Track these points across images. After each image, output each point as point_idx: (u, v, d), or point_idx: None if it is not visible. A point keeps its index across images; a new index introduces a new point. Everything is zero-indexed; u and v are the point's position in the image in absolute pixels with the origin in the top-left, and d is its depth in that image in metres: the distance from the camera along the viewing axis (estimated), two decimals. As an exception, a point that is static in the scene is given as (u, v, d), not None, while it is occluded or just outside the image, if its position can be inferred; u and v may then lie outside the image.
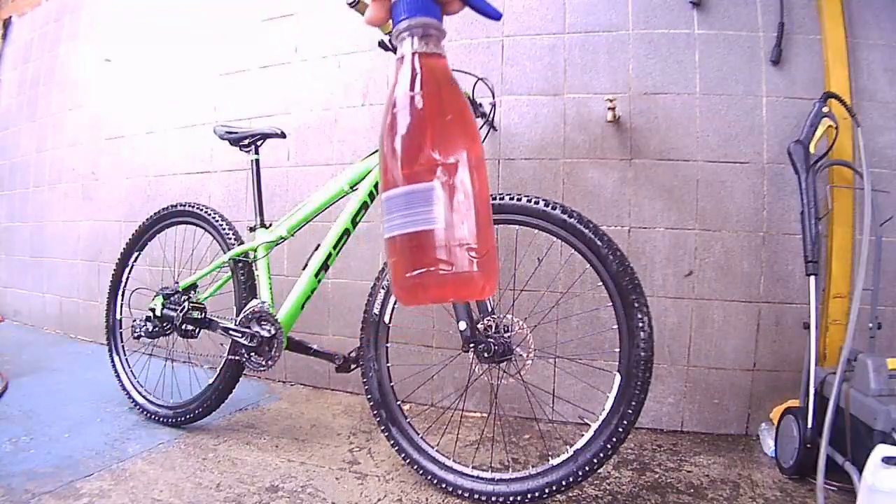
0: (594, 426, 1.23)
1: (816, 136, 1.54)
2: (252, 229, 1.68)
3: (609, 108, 1.70)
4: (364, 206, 1.46)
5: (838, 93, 1.57)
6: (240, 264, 1.69)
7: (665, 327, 1.72)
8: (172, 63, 2.51)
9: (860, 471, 1.11)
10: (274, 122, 2.12)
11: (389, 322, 1.45)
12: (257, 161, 1.72)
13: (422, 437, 1.40)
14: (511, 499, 1.25)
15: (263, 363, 1.51)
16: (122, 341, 1.95)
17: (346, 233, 1.47)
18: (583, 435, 1.24)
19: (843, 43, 1.62)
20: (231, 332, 1.56)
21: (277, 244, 1.63)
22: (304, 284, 1.49)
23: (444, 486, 1.32)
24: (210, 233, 1.79)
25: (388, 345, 1.46)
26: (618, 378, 1.22)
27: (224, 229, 1.74)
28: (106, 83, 2.84)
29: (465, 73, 1.54)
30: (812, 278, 1.45)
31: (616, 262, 1.21)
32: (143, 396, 1.81)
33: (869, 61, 1.65)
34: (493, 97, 1.60)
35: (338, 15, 2.05)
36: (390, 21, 0.47)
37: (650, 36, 1.73)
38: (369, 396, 1.43)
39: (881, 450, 1.06)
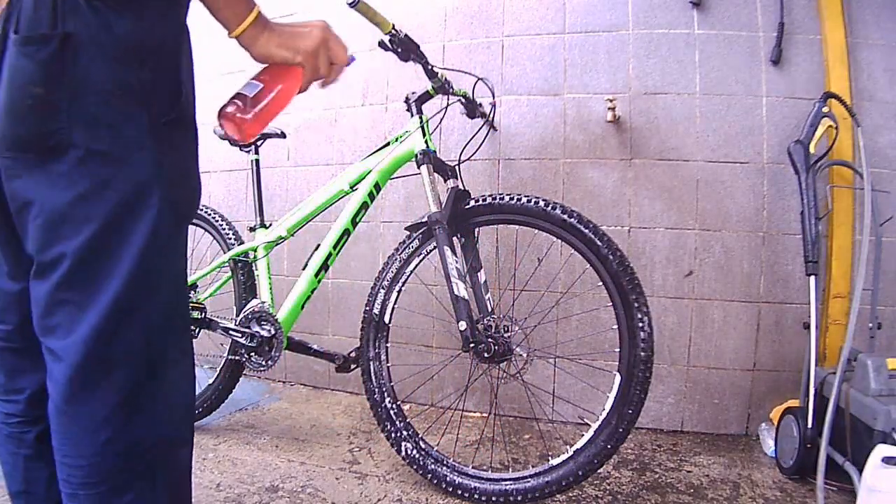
0: (594, 426, 1.23)
1: (816, 136, 1.54)
2: (252, 229, 1.68)
3: (609, 108, 1.70)
4: (364, 206, 1.46)
5: (838, 93, 1.57)
6: (240, 264, 1.69)
7: (665, 327, 1.72)
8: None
9: (860, 471, 1.11)
10: (274, 122, 2.12)
11: (389, 322, 1.45)
12: (257, 161, 1.72)
13: (422, 438, 1.40)
14: (511, 498, 1.25)
15: (263, 363, 1.51)
16: (122, 341, 1.95)
17: (346, 233, 1.47)
18: (583, 435, 1.25)
19: (843, 43, 1.62)
20: (231, 332, 1.56)
21: (277, 244, 1.63)
22: (304, 284, 1.49)
23: (444, 485, 1.32)
24: (210, 232, 1.79)
25: (388, 345, 1.46)
26: (618, 378, 1.22)
27: (224, 229, 1.74)
28: (106, 83, 2.84)
29: (465, 73, 1.54)
30: (812, 278, 1.45)
31: (616, 262, 1.21)
32: (143, 396, 1.81)
33: (869, 61, 1.65)
34: (493, 97, 1.60)
35: (337, 15, 2.05)
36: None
37: (650, 36, 1.73)
38: (369, 396, 1.43)
39: (881, 450, 1.07)
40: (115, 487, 0.62)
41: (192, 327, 1.68)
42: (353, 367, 1.51)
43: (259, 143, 1.73)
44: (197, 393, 1.70)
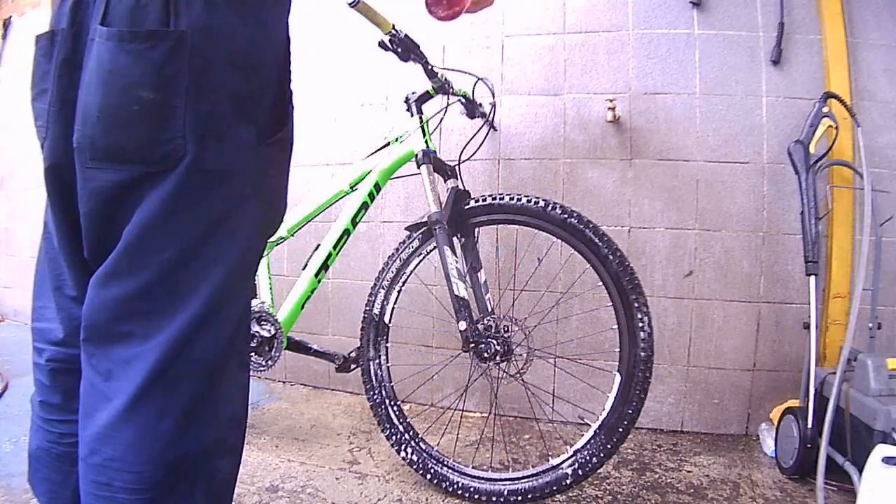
0: (594, 426, 1.23)
1: (816, 136, 1.54)
2: (252, 229, 1.68)
3: (609, 109, 1.70)
4: (364, 207, 1.46)
5: (838, 93, 1.57)
6: (240, 264, 1.69)
7: (665, 327, 1.72)
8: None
9: (860, 471, 1.11)
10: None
11: (389, 322, 1.45)
12: (257, 161, 1.72)
13: (422, 438, 1.40)
14: (511, 498, 1.25)
15: (263, 363, 1.51)
16: (122, 341, 1.95)
17: (346, 233, 1.47)
18: (583, 435, 1.25)
19: (843, 43, 1.62)
20: (231, 332, 1.56)
21: (277, 244, 1.63)
22: (304, 284, 1.49)
23: (444, 485, 1.32)
24: (210, 233, 1.79)
25: (388, 345, 1.46)
26: (618, 378, 1.23)
27: (224, 229, 1.74)
28: (106, 83, 2.83)
29: (465, 73, 1.54)
30: (812, 278, 1.45)
31: (616, 262, 1.21)
32: (143, 396, 1.81)
33: (869, 61, 1.65)
34: (493, 97, 1.60)
35: (337, 15, 2.05)
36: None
37: (650, 36, 1.73)
38: (369, 396, 1.43)
39: (881, 450, 1.06)
40: (159, 495, 0.61)
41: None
42: (353, 367, 1.51)
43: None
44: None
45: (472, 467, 1.34)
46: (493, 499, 1.26)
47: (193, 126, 0.55)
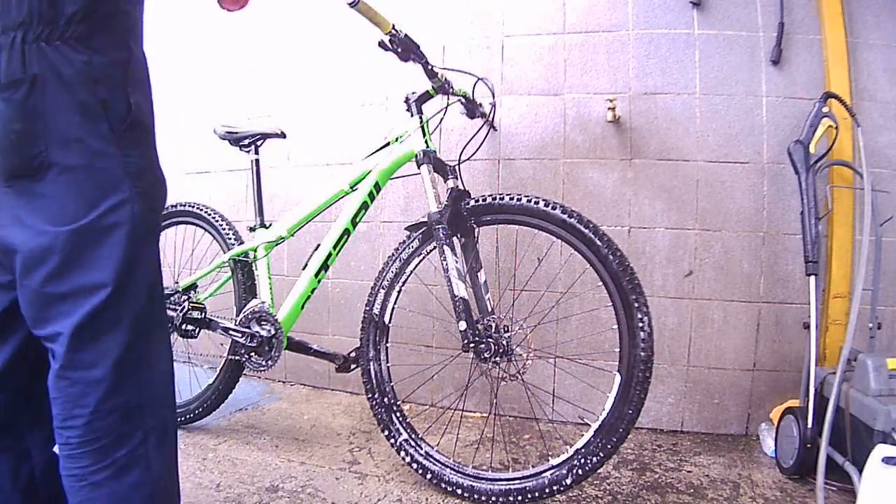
0: (594, 426, 1.23)
1: (816, 136, 1.54)
2: (252, 229, 1.68)
3: (609, 109, 1.70)
4: (364, 207, 1.46)
5: (838, 93, 1.57)
6: (240, 264, 1.69)
7: (665, 327, 1.72)
8: (172, 64, 2.51)
9: (860, 471, 1.11)
10: (274, 122, 2.13)
11: (389, 322, 1.45)
12: (257, 161, 1.72)
13: (422, 438, 1.40)
14: (511, 498, 1.25)
15: (263, 363, 1.51)
16: (122, 341, 1.95)
17: (346, 233, 1.47)
18: (583, 435, 1.25)
19: (843, 43, 1.62)
20: (231, 332, 1.56)
21: (277, 244, 1.63)
22: (304, 284, 1.49)
23: (444, 485, 1.32)
24: (210, 233, 1.79)
25: (388, 345, 1.46)
26: (618, 378, 1.22)
27: (224, 229, 1.74)
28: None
29: (465, 73, 1.54)
30: (812, 278, 1.45)
31: (616, 262, 1.21)
32: (143, 396, 1.81)
33: (869, 61, 1.65)
34: (493, 97, 1.60)
35: (337, 15, 2.05)
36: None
37: (650, 36, 1.73)
38: (369, 397, 1.43)
39: (881, 450, 1.06)
40: (111, 443, 0.72)
41: (192, 327, 1.68)
42: (353, 367, 1.51)
43: (259, 143, 1.73)
44: (197, 393, 1.70)
45: (472, 467, 1.34)
46: (493, 499, 1.26)
47: (53, 140, 0.70)
